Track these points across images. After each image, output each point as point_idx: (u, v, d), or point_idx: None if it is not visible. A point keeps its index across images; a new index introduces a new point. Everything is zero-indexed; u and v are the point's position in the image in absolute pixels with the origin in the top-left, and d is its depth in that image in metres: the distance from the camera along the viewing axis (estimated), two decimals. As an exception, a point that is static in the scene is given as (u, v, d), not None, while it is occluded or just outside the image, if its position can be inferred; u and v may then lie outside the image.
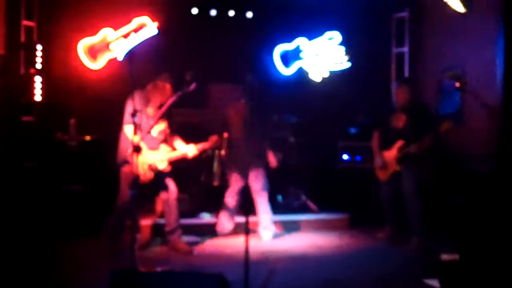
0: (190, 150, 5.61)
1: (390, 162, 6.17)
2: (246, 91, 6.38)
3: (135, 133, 4.48)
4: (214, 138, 5.73)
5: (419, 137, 5.90)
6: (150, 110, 5.50)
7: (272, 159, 6.41)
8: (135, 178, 4.66)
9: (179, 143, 5.70)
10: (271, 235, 6.38)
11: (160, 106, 5.42)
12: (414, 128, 6.01)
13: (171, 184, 5.62)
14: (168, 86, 5.48)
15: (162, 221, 6.53)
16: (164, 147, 5.54)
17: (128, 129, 5.27)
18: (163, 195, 5.63)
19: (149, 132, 5.18)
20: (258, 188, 6.37)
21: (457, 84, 6.49)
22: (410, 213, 6.05)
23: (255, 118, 6.31)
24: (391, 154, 6.15)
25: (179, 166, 7.49)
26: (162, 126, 5.52)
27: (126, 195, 5.19)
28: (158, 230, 6.18)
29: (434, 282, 4.58)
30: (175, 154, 5.58)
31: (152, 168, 5.39)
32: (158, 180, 5.51)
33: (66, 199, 6.36)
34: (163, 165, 5.46)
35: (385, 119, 6.33)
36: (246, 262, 4.04)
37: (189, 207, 6.97)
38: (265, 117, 6.59)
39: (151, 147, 5.42)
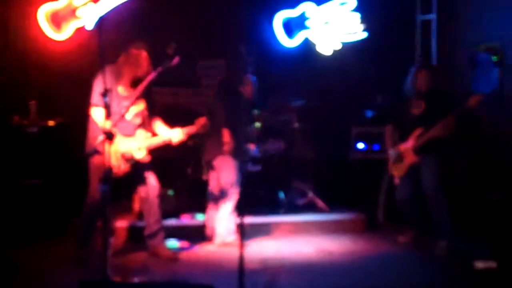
0: (174, 135, 5.56)
1: (406, 153, 6.16)
2: (232, 66, 6.39)
3: (106, 117, 4.43)
4: (201, 121, 5.61)
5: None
6: (122, 89, 5.43)
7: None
8: (107, 171, 4.61)
9: (161, 127, 5.65)
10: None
11: (135, 83, 5.36)
12: (435, 113, 5.99)
13: (151, 178, 5.58)
14: (144, 55, 5.42)
15: (141, 222, 6.55)
16: (141, 133, 5.49)
17: (97, 113, 5.24)
18: (141, 192, 5.61)
19: (123, 116, 5.12)
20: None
21: (494, 58, 6.46)
22: (434, 212, 6.05)
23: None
24: (407, 144, 6.14)
25: (161, 156, 7.52)
26: (139, 107, 5.47)
27: (97, 191, 5.16)
28: (136, 233, 6.17)
29: (466, 294, 4.59)
30: (156, 141, 5.54)
31: (127, 158, 5.35)
32: (136, 173, 5.48)
33: (25, 195, 6.35)
34: (140, 155, 5.42)
35: (400, 107, 6.33)
36: (241, 271, 4.03)
37: (173, 206, 6.97)
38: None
39: (125, 133, 5.38)
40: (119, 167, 5.32)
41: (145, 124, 5.55)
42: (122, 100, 5.32)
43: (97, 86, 5.22)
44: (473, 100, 5.71)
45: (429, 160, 6.06)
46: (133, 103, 5.14)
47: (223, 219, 6.19)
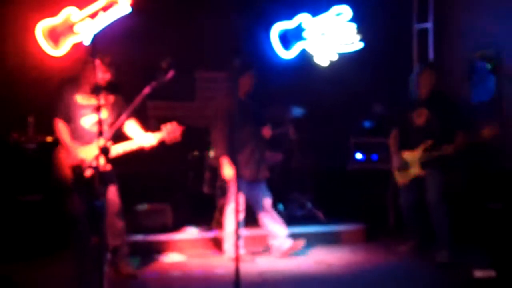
0: (146, 141, 5.26)
1: (412, 164, 6.14)
2: (233, 78, 6.33)
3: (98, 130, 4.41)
4: (167, 127, 5.22)
5: (447, 135, 5.86)
6: (80, 98, 5.27)
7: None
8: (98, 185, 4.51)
9: (134, 131, 5.37)
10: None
11: (94, 91, 5.11)
12: (440, 124, 5.98)
13: (111, 192, 5.31)
14: (97, 63, 5.16)
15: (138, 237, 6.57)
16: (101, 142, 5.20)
17: (60, 126, 5.22)
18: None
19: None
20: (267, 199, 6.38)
21: (490, 66, 6.45)
22: (436, 223, 6.02)
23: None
24: (414, 154, 6.12)
25: (160, 170, 7.53)
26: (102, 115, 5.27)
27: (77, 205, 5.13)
28: (134, 248, 6.14)
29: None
30: (127, 147, 5.25)
31: (85, 166, 5.11)
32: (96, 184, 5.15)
33: (24, 212, 6.33)
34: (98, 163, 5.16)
35: (404, 114, 6.30)
36: (237, 285, 4.00)
37: (172, 219, 6.95)
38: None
39: (84, 142, 5.23)
40: (73, 177, 5.15)
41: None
42: (81, 109, 5.23)
43: (59, 99, 5.21)
44: (487, 132, 5.69)
45: (434, 174, 6.03)
46: (128, 116, 4.98)
47: (230, 235, 6.16)
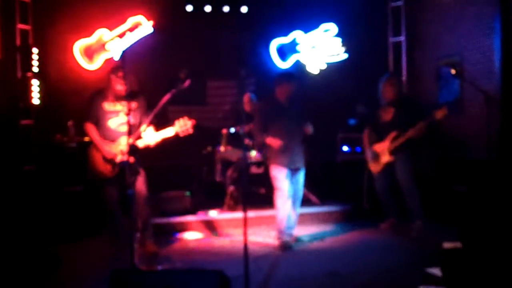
0: (166, 133, 5.14)
1: (382, 153, 6.17)
2: (240, 86, 6.32)
3: (128, 132, 4.47)
4: (180, 122, 5.04)
5: (411, 125, 5.88)
6: (107, 105, 5.30)
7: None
8: (130, 177, 4.54)
9: (147, 133, 5.21)
10: None
11: (118, 98, 5.26)
12: (404, 118, 6.01)
13: (139, 182, 5.22)
14: (119, 75, 5.18)
15: (162, 219, 6.58)
16: (124, 140, 5.14)
17: (90, 128, 5.30)
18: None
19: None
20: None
21: (453, 71, 6.44)
22: (408, 201, 6.07)
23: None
24: (383, 145, 6.15)
25: (180, 163, 7.54)
26: (123, 119, 5.26)
27: (110, 195, 5.20)
28: (158, 229, 6.16)
29: (436, 271, 4.55)
30: (154, 139, 5.14)
31: (111, 161, 5.20)
32: (125, 176, 4.85)
33: (68, 200, 6.35)
34: (121, 158, 5.13)
35: (374, 114, 6.33)
36: (246, 257, 4.01)
37: (190, 204, 6.96)
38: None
39: (110, 140, 5.25)
40: (108, 170, 5.21)
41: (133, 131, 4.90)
42: (108, 113, 5.26)
43: (91, 106, 5.27)
44: (440, 113, 5.71)
45: (401, 158, 6.06)
46: (150, 121, 4.93)
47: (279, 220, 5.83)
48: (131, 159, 4.65)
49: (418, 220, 5.99)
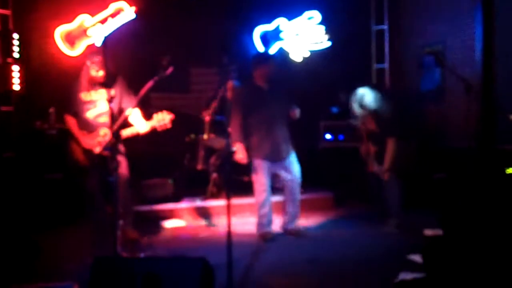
0: (141, 127, 5.06)
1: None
2: (223, 73, 6.22)
3: (109, 122, 4.36)
4: (158, 115, 4.94)
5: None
6: (84, 95, 5.15)
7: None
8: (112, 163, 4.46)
9: (135, 118, 5.14)
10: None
11: (92, 86, 5.14)
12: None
13: (121, 166, 5.03)
14: (91, 61, 5.07)
15: (145, 206, 6.54)
16: (103, 131, 5.06)
17: (69, 120, 5.16)
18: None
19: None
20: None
21: (436, 60, 6.46)
22: (388, 195, 5.88)
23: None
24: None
25: (163, 150, 7.48)
26: (102, 109, 5.14)
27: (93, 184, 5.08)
28: (141, 216, 6.12)
29: (417, 257, 4.59)
30: (126, 133, 5.03)
31: (90, 152, 5.08)
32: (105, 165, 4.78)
33: (48, 188, 6.28)
34: (99, 150, 5.04)
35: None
36: (229, 245, 4.00)
37: (173, 191, 6.93)
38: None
39: (89, 131, 5.11)
40: (87, 160, 5.08)
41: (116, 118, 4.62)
42: (85, 104, 5.10)
43: (68, 97, 5.14)
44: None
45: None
46: (134, 105, 4.86)
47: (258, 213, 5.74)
48: (107, 152, 4.58)
49: (394, 218, 5.83)
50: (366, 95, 5.76)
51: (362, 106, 5.78)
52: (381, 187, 6.06)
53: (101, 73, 5.06)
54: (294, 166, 5.73)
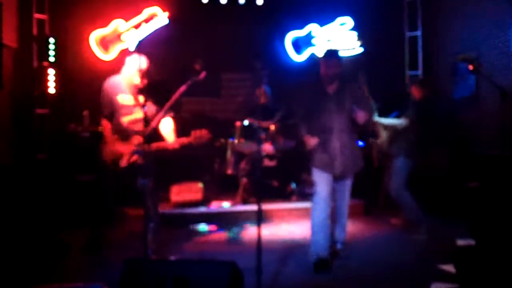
0: (170, 143, 4.92)
1: None
2: (255, 79, 6.19)
3: (143, 123, 4.37)
4: (197, 133, 4.82)
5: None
6: (121, 98, 4.99)
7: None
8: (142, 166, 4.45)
9: (166, 130, 5.00)
10: None
11: (133, 92, 5.01)
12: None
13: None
14: (137, 68, 4.93)
15: (176, 210, 6.58)
16: (137, 139, 4.89)
17: (105, 124, 5.08)
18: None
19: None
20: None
21: (471, 67, 6.34)
22: (404, 207, 5.81)
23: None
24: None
25: (193, 154, 7.52)
26: (136, 115, 4.97)
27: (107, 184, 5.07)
28: (167, 219, 6.14)
29: (450, 268, 4.51)
30: (154, 147, 4.88)
31: (121, 159, 4.99)
32: (133, 173, 4.86)
33: (81, 189, 6.37)
34: (132, 159, 4.92)
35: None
36: (259, 250, 4.00)
37: (202, 195, 6.96)
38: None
39: (122, 138, 4.99)
40: (117, 165, 4.99)
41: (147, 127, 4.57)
42: (121, 108, 4.94)
43: (104, 99, 5.01)
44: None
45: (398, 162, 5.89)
46: (166, 113, 4.80)
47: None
48: (140, 160, 4.58)
49: (420, 224, 5.74)
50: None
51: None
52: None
53: (144, 81, 4.82)
54: (347, 194, 5.02)
